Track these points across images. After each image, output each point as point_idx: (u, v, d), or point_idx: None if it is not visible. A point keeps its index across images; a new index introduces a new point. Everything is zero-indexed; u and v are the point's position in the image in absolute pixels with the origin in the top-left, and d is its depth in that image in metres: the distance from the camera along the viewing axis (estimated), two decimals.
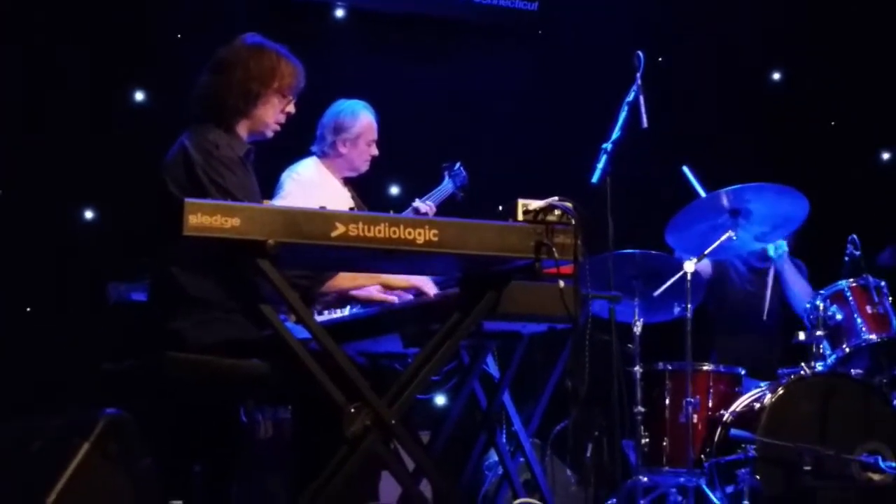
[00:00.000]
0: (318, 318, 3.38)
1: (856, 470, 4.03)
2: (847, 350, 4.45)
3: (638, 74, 3.95)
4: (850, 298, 4.46)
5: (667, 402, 4.53)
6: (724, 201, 4.42)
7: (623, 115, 3.97)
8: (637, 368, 4.44)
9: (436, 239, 2.81)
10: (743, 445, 4.18)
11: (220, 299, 3.12)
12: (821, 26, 6.10)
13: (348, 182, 4.34)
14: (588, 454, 4.66)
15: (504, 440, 4.01)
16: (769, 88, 6.34)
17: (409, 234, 2.77)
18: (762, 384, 4.44)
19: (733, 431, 4.28)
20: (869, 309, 4.46)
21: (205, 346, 3.10)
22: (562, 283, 2.91)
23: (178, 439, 3.27)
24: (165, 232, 2.84)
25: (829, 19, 6.11)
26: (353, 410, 2.82)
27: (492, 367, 4.02)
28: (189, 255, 3.04)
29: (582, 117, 4.89)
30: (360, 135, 4.21)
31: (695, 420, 4.47)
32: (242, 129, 3.24)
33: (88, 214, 4.97)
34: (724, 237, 4.43)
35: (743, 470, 4.18)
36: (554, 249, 2.83)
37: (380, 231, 2.72)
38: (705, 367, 4.54)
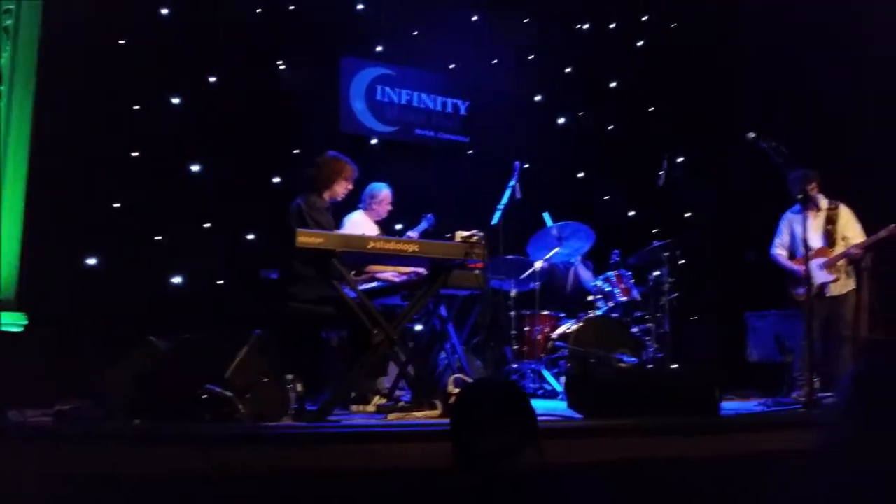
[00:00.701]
0: (361, 287, 3.66)
1: (614, 361, 4.83)
2: (611, 305, 5.43)
3: (516, 173, 4.89)
4: (613, 280, 5.52)
5: (526, 329, 5.37)
6: (555, 231, 5.36)
7: (508, 191, 4.86)
8: (512, 313, 5.28)
9: (418, 249, 3.36)
10: (561, 349, 5.02)
11: (313, 276, 3.59)
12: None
13: (377, 223, 4.84)
14: (488, 353, 4.96)
15: (448, 347, 4.52)
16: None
17: (405, 247, 3.34)
18: (570, 321, 5.31)
19: (557, 343, 5.15)
20: (622, 285, 5.50)
21: (305, 299, 3.63)
22: (476, 272, 3.55)
23: (291, 346, 3.59)
24: (289, 245, 3.26)
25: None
26: (375, 332, 3.27)
27: (443, 311, 4.44)
28: (299, 256, 3.45)
29: (490, 192, 5.18)
30: (383, 199, 4.85)
31: (539, 337, 5.31)
32: (326, 195, 4.00)
33: (250, 236, 5.80)
34: (553, 251, 5.37)
35: (562, 361, 5.03)
36: (474, 255, 3.35)
37: (390, 246, 3.31)
38: (544, 312, 5.38)
